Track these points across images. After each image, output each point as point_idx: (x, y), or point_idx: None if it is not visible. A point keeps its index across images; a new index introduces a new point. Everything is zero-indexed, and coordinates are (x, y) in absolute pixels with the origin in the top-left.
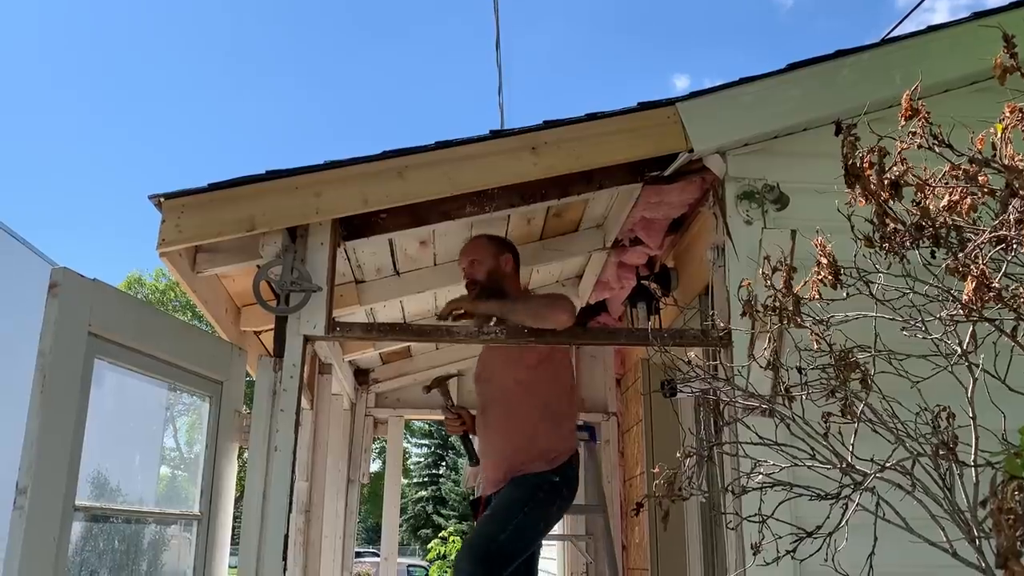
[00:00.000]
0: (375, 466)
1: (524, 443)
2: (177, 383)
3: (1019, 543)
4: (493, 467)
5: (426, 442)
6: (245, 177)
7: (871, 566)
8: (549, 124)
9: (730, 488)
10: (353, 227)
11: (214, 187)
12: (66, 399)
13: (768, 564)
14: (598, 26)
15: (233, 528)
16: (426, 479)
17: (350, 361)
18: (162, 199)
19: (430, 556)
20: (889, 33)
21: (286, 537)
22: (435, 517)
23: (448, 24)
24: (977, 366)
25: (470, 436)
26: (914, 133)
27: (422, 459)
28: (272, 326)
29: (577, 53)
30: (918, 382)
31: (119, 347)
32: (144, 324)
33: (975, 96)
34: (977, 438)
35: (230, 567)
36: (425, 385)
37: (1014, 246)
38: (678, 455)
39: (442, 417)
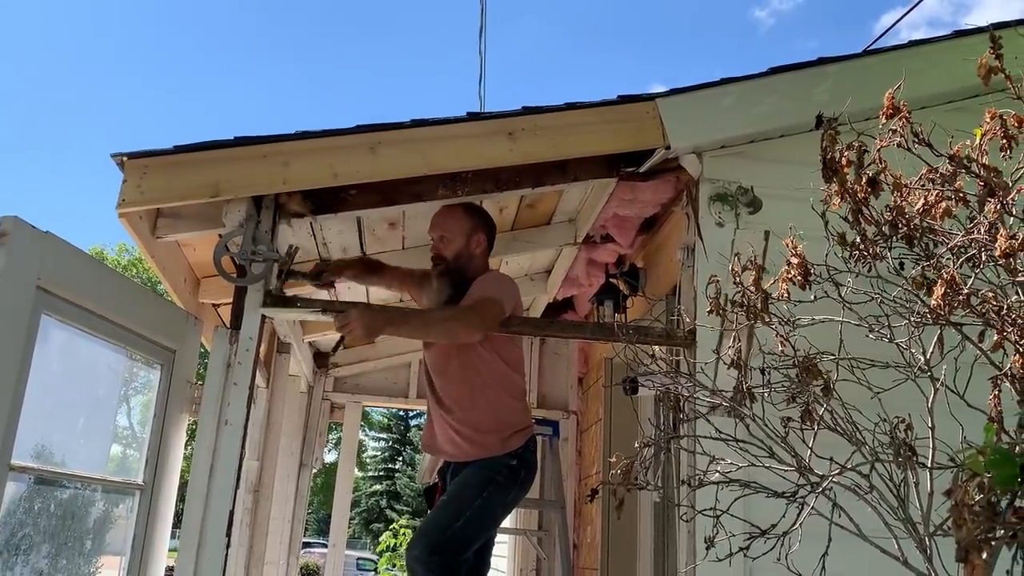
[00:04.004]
0: (330, 457)
1: (476, 422)
2: (129, 347)
3: (978, 538)
4: (446, 446)
5: (384, 436)
6: (212, 142)
7: (823, 567)
8: (527, 110)
9: (687, 481)
10: (321, 202)
11: (180, 149)
12: (7, 354)
13: (720, 560)
14: (577, 36)
15: (178, 507)
16: (382, 473)
17: (310, 343)
18: (125, 158)
19: (380, 548)
20: (868, 47)
21: (231, 514)
22: (388, 512)
23: (433, 19)
24: (938, 379)
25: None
26: (894, 131)
27: (379, 453)
28: (231, 300)
29: (556, 61)
30: (879, 392)
31: (69, 304)
32: (97, 283)
33: (951, 115)
34: (934, 449)
35: (170, 551)
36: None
37: (982, 257)
38: (636, 445)
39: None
